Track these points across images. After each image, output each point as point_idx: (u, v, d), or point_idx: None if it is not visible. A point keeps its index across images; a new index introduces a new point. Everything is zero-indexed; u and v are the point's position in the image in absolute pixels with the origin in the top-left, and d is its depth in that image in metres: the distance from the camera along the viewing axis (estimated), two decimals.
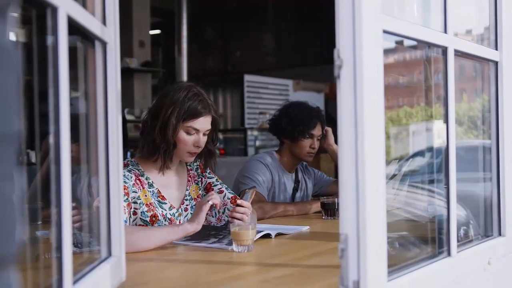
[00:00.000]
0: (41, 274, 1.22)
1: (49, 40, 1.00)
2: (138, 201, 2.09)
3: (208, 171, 2.36)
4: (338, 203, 2.58)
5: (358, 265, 1.14)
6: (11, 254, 0.55)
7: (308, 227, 2.31)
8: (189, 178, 2.31)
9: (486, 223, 1.83)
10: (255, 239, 1.88)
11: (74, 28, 1.09)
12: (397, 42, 1.44)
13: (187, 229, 1.89)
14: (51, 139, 0.98)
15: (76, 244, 1.29)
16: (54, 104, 0.98)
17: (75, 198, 1.07)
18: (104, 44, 1.32)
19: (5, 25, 0.55)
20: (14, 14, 0.60)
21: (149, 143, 2.14)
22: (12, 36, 0.58)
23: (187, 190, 2.28)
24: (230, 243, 1.87)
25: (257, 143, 7.18)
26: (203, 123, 2.14)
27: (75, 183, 1.09)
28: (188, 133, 2.13)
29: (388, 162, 1.40)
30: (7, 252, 0.54)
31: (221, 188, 2.32)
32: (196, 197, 2.30)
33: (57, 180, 0.99)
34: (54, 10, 0.97)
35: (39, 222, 1.77)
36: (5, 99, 0.54)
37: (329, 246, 1.90)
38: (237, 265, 1.69)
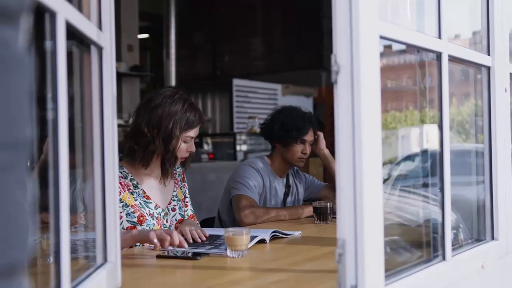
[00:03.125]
0: (36, 280, 1.21)
1: (47, 44, 0.99)
2: (121, 204, 2.13)
3: (184, 182, 2.47)
4: (330, 208, 2.58)
5: (355, 269, 1.14)
6: (24, 261, 0.55)
7: (300, 232, 2.31)
8: (176, 181, 2.40)
9: (479, 227, 1.84)
10: (250, 245, 1.88)
11: (70, 32, 1.08)
12: (385, 46, 1.45)
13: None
14: (50, 144, 0.97)
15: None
16: (53, 109, 0.97)
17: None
18: (100, 49, 1.31)
19: (18, 32, 0.55)
20: (26, 20, 0.59)
21: (149, 154, 2.19)
22: (24, 42, 0.58)
23: (174, 191, 2.36)
24: (222, 250, 1.86)
25: (246, 147, 7.17)
26: (197, 130, 2.28)
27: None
28: (185, 142, 2.24)
29: None
30: (20, 259, 0.54)
31: (188, 202, 2.44)
32: (181, 199, 2.39)
33: (56, 186, 0.98)
34: (53, 15, 0.96)
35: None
36: (19, 107, 0.54)
37: (323, 250, 1.91)
38: (232, 270, 1.69)
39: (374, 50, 1.18)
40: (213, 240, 2.07)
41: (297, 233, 2.29)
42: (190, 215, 2.40)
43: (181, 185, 2.42)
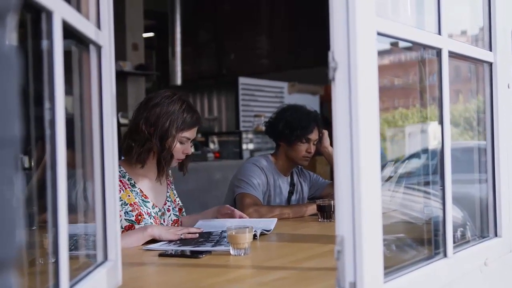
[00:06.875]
0: (36, 279, 1.21)
1: (44, 44, 0.99)
2: (120, 202, 2.15)
3: (172, 185, 2.48)
4: (334, 206, 2.57)
5: (354, 266, 1.14)
6: (11, 258, 0.55)
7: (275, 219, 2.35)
8: (168, 183, 2.43)
9: (482, 224, 1.83)
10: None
11: (68, 31, 1.08)
12: (392, 44, 1.44)
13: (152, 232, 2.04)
14: (47, 144, 0.98)
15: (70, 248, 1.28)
16: (50, 108, 0.97)
17: (70, 203, 1.07)
18: (98, 48, 1.31)
19: (5, 30, 0.56)
20: (13, 19, 0.60)
21: (146, 151, 2.21)
22: (11, 41, 0.58)
23: (167, 192, 2.40)
24: (228, 245, 1.86)
25: (253, 146, 7.16)
26: (195, 132, 2.29)
27: (70, 188, 1.09)
28: (181, 143, 2.25)
29: (384, 164, 1.40)
30: (7, 256, 0.54)
31: (171, 206, 2.41)
32: (173, 200, 2.41)
33: (53, 185, 0.98)
34: (49, 14, 0.97)
35: (34, 228, 1.76)
36: (6, 104, 0.54)
37: (326, 248, 1.90)
38: (234, 268, 1.69)
39: (372, 46, 1.18)
40: (207, 238, 2.06)
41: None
42: (174, 219, 2.39)
43: (172, 187, 2.46)
